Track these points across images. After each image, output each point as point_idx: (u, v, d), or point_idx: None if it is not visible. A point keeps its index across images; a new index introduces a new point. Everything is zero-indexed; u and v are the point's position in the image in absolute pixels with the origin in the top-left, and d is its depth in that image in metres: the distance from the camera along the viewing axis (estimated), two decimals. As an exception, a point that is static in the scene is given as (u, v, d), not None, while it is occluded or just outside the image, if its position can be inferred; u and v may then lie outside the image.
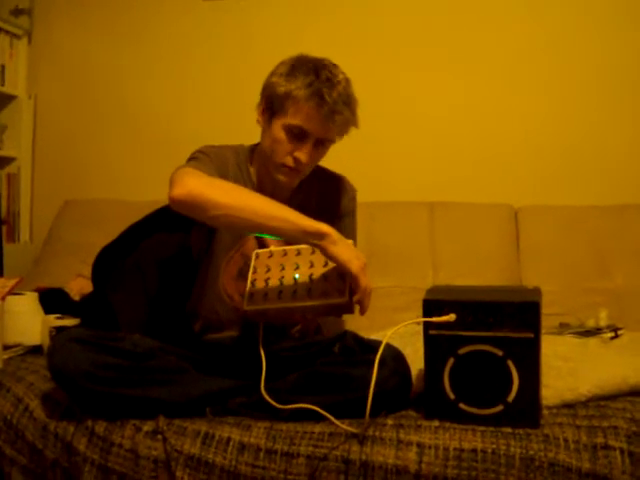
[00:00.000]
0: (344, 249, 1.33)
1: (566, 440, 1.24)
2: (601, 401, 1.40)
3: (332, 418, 1.30)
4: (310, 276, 1.40)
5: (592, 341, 1.76)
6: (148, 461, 1.33)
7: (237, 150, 1.64)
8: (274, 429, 1.32)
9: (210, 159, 1.53)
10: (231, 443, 1.31)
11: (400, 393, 1.39)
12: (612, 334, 1.80)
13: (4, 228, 2.70)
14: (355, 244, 1.64)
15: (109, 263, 1.59)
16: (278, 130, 1.52)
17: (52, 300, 1.96)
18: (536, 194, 2.44)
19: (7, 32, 2.75)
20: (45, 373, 1.52)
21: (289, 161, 1.53)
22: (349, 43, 2.55)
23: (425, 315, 1.31)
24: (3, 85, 2.73)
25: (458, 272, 2.24)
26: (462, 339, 1.29)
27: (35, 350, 1.82)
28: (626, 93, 2.44)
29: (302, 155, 1.51)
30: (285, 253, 1.47)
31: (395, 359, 1.40)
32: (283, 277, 1.42)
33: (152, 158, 2.70)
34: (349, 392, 1.35)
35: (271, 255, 1.48)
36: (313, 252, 1.41)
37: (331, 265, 1.37)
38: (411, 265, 2.29)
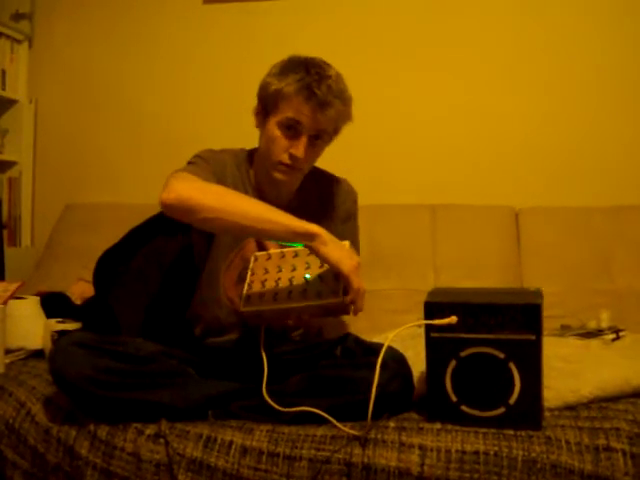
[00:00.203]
0: (335, 250, 1.33)
1: (568, 442, 1.24)
2: (603, 403, 1.39)
3: (334, 421, 1.30)
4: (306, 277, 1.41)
5: (594, 343, 1.76)
6: (150, 465, 1.32)
7: (236, 154, 1.64)
8: (276, 432, 1.32)
9: (207, 163, 1.54)
10: (233, 446, 1.31)
11: (402, 396, 1.39)
12: (614, 336, 1.80)
13: (5, 232, 2.70)
14: (358, 247, 1.65)
15: (110, 267, 1.58)
16: (273, 128, 1.53)
17: (53, 304, 1.95)
18: (537, 196, 2.44)
19: (8, 37, 2.75)
20: (47, 377, 1.52)
21: (285, 158, 1.53)
22: (349, 46, 2.55)
23: (427, 317, 1.31)
24: (4, 90, 2.73)
25: (460, 274, 2.24)
26: (464, 341, 1.29)
27: (37, 354, 1.83)
28: (626, 94, 2.44)
29: (297, 151, 1.51)
30: (283, 255, 1.48)
31: (397, 361, 1.40)
32: (280, 279, 1.43)
33: (153, 162, 2.69)
34: (351, 395, 1.35)
35: (269, 257, 1.49)
36: (310, 254, 1.41)
37: (327, 266, 1.38)
38: (412, 267, 2.29)
